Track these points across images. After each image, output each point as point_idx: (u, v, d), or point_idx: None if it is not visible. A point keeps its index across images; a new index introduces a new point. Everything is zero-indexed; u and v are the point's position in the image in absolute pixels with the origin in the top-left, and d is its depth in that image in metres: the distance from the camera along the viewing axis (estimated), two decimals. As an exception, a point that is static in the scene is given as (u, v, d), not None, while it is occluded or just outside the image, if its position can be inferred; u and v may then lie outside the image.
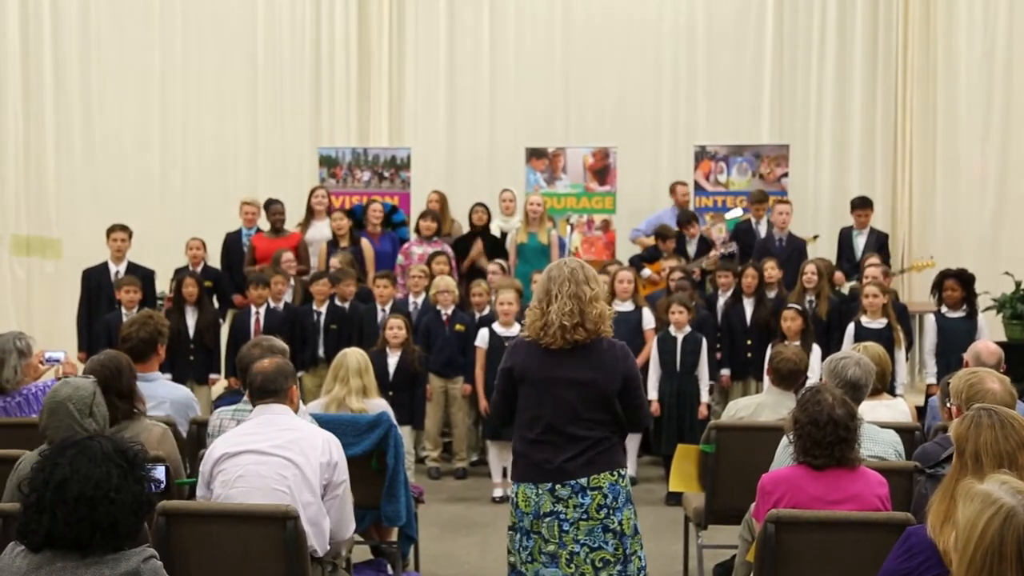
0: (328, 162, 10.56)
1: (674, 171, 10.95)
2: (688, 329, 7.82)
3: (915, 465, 4.27)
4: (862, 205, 9.71)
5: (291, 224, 9.70)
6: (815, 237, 10.24)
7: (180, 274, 8.75)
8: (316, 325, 8.39)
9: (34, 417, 4.26)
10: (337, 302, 8.44)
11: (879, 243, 9.56)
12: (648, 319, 8.08)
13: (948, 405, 4.22)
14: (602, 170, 10.54)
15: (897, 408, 5.43)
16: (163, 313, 7.39)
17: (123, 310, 8.14)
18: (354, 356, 5.74)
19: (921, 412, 6.73)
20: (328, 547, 4.21)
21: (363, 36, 11.69)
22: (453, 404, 8.09)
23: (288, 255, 8.98)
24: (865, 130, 11.27)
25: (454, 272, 8.92)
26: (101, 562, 2.65)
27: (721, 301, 8.64)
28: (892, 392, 6.73)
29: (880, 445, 4.50)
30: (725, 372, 8.45)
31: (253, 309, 8.43)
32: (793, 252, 9.26)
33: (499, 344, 7.42)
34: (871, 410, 4.82)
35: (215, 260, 9.50)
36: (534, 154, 10.61)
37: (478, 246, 9.29)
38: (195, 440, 5.15)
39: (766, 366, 5.95)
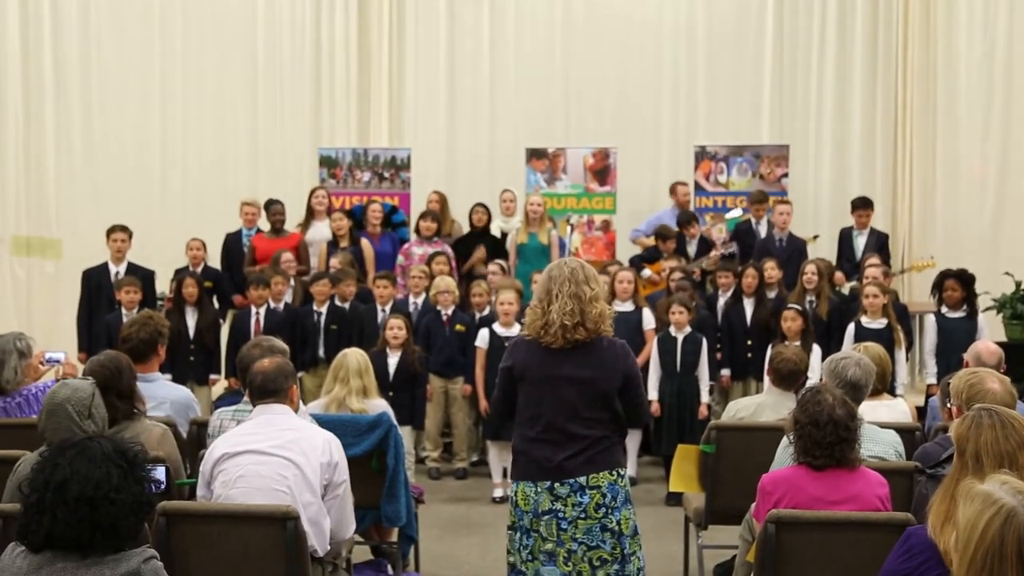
0: (328, 162, 10.56)
1: (674, 171, 10.95)
2: (688, 329, 7.83)
3: (915, 465, 4.27)
4: (863, 205, 9.71)
5: (291, 224, 9.70)
6: (815, 237, 10.24)
7: (180, 274, 8.75)
8: (316, 325, 8.39)
9: (34, 418, 4.26)
10: (337, 302, 8.44)
11: (879, 243, 9.56)
12: (648, 319, 8.08)
13: (948, 405, 4.22)
14: (602, 170, 10.54)
15: (897, 408, 5.43)
16: (163, 313, 7.39)
17: (123, 311, 8.14)
18: (354, 356, 5.74)
19: (921, 412, 6.73)
20: (328, 547, 4.21)
21: (363, 36, 11.69)
22: (453, 404, 8.09)
23: (287, 255, 8.98)
24: (865, 130, 11.27)
25: (454, 272, 8.92)
26: (101, 563, 2.65)
27: (721, 301, 8.64)
28: (892, 392, 6.73)
29: (880, 445, 4.50)
30: (725, 372, 8.45)
31: (253, 309, 8.43)
32: (793, 252, 9.26)
33: (499, 344, 7.42)
34: (871, 410, 4.82)
35: (215, 260, 9.50)
36: (534, 154, 10.61)
37: (480, 253, 9.23)
38: (195, 441, 5.15)
39: (766, 366, 5.95)
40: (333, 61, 11.64)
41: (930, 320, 8.24)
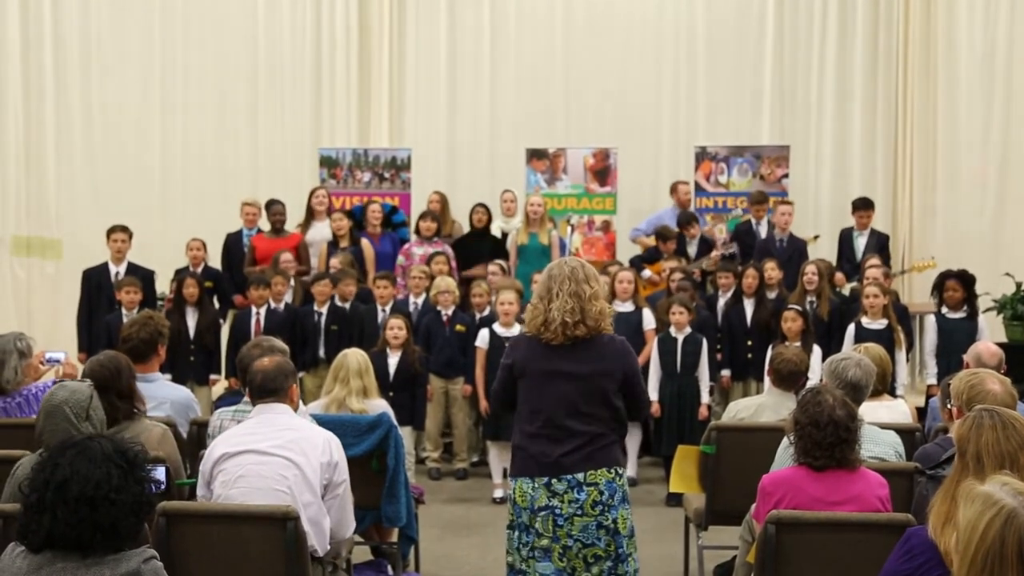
0: (328, 163, 10.56)
1: (674, 172, 10.95)
2: (688, 330, 7.82)
3: (915, 466, 4.26)
4: (864, 206, 9.71)
5: (291, 225, 9.70)
6: (816, 237, 10.24)
7: (180, 275, 8.75)
8: (317, 326, 8.39)
9: (34, 418, 4.25)
10: (338, 302, 8.44)
11: (880, 244, 9.56)
12: (648, 320, 8.08)
13: (949, 406, 4.22)
14: (602, 171, 10.53)
15: (897, 409, 5.43)
16: (163, 314, 7.39)
17: (123, 311, 8.14)
18: (354, 357, 5.74)
19: (921, 413, 6.72)
20: (328, 547, 4.21)
21: (363, 37, 11.69)
22: (453, 405, 8.09)
23: (287, 255, 8.98)
24: (865, 131, 11.26)
25: (454, 272, 8.91)
26: (101, 563, 2.65)
27: (722, 302, 8.64)
28: (892, 393, 6.72)
29: (881, 446, 4.50)
30: (725, 373, 8.45)
31: (254, 310, 8.43)
32: (794, 253, 9.27)
33: (499, 344, 7.41)
34: (871, 411, 4.81)
35: (215, 260, 9.50)
36: (535, 155, 10.61)
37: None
38: (195, 441, 5.15)
39: (767, 367, 5.95)
40: (334, 61, 11.64)
41: (930, 321, 8.24)
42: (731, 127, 11.25)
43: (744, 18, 11.44)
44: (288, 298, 8.62)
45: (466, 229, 9.77)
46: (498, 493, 7.52)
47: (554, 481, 4.03)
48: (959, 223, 11.04)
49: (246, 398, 4.53)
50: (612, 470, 4.07)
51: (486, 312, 8.14)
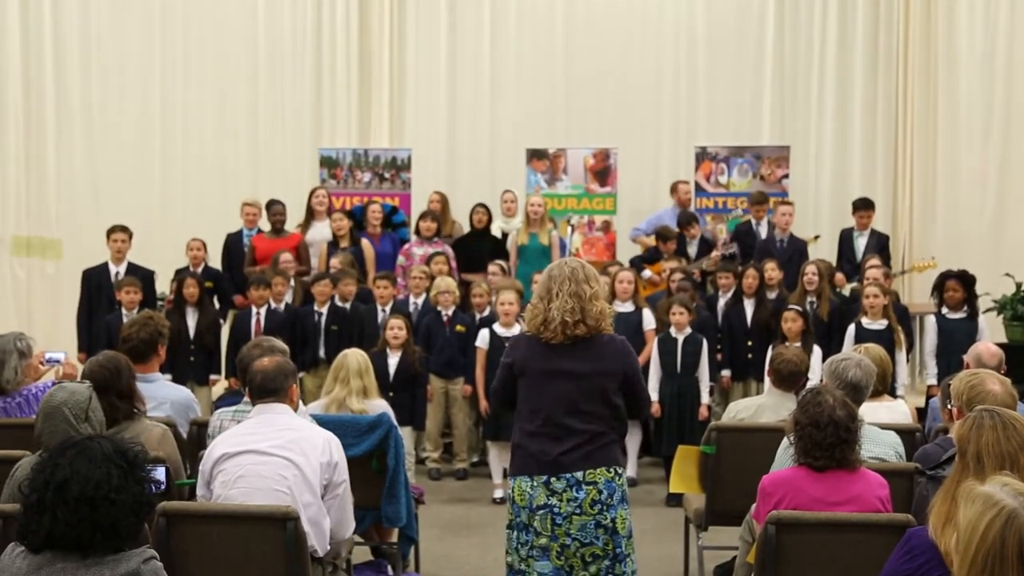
0: (329, 163, 10.56)
1: (674, 172, 10.95)
2: (689, 330, 7.82)
3: (916, 467, 4.26)
4: (864, 207, 9.70)
5: (291, 225, 9.70)
6: (816, 237, 10.24)
7: (181, 275, 8.75)
8: (317, 326, 8.39)
9: (34, 418, 4.26)
10: (338, 302, 8.44)
11: (880, 244, 9.56)
12: (648, 320, 8.08)
13: (949, 407, 4.22)
14: (603, 171, 10.53)
15: (898, 410, 5.43)
16: (163, 314, 7.39)
17: (123, 311, 8.13)
18: (354, 357, 5.74)
19: (922, 413, 6.72)
20: (328, 547, 4.21)
21: (364, 37, 11.68)
22: (454, 405, 8.09)
23: (286, 255, 8.98)
24: (866, 131, 11.26)
25: (453, 272, 8.91)
26: (101, 563, 2.65)
27: (722, 302, 8.64)
28: (893, 394, 6.72)
29: (881, 447, 4.50)
30: (726, 373, 8.44)
31: (254, 310, 8.43)
32: (794, 253, 9.26)
33: (499, 345, 7.41)
34: (872, 412, 4.81)
35: (216, 261, 9.50)
36: (535, 155, 10.61)
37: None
38: (195, 441, 5.15)
39: (767, 367, 5.95)
40: (334, 61, 11.63)
41: (931, 321, 8.24)
42: (731, 127, 11.25)
43: (744, 18, 11.44)
44: (288, 298, 8.62)
45: (466, 229, 9.76)
46: (498, 493, 7.52)
47: (553, 480, 4.03)
48: (959, 223, 11.04)
49: (246, 398, 4.53)
50: (611, 470, 4.07)
51: (486, 312, 8.13)
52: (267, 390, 4.20)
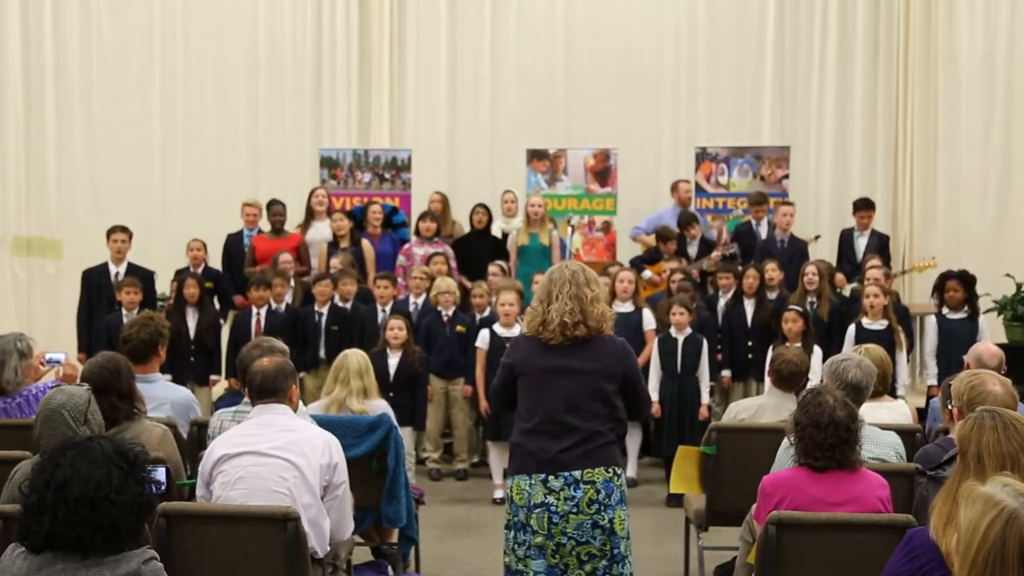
0: (329, 163, 10.56)
1: (675, 172, 10.94)
2: (689, 330, 7.82)
3: (916, 467, 4.26)
4: (864, 207, 9.70)
5: (291, 225, 9.69)
6: (817, 237, 10.24)
7: (181, 275, 8.75)
8: (317, 326, 8.39)
9: (34, 419, 4.26)
10: (338, 302, 8.44)
11: (880, 245, 9.56)
12: (648, 320, 8.08)
13: (949, 407, 4.21)
14: (603, 171, 10.53)
15: (898, 410, 5.43)
16: (164, 314, 7.39)
17: (123, 311, 8.13)
18: (355, 357, 5.74)
19: (922, 414, 6.72)
20: (328, 548, 4.21)
21: (364, 37, 11.68)
22: (454, 405, 8.09)
23: (286, 256, 8.98)
24: (866, 131, 11.26)
25: (453, 272, 8.91)
26: (102, 563, 2.65)
27: (722, 302, 8.64)
28: (893, 394, 6.72)
29: (881, 447, 4.50)
30: (726, 373, 8.44)
31: (254, 310, 8.43)
32: (795, 253, 9.26)
33: (500, 345, 7.40)
34: (872, 412, 4.81)
35: (216, 261, 9.49)
36: (535, 155, 10.61)
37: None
38: (195, 441, 5.15)
39: (767, 368, 5.95)
40: (334, 62, 11.63)
41: (931, 321, 8.24)
42: (731, 128, 11.25)
43: (744, 18, 11.44)
44: (288, 298, 8.62)
45: (466, 229, 9.76)
46: (498, 494, 7.51)
47: (551, 478, 4.03)
48: (960, 223, 11.04)
49: (246, 399, 4.53)
50: (610, 469, 4.07)
51: (486, 313, 8.13)
52: (267, 391, 4.20)
